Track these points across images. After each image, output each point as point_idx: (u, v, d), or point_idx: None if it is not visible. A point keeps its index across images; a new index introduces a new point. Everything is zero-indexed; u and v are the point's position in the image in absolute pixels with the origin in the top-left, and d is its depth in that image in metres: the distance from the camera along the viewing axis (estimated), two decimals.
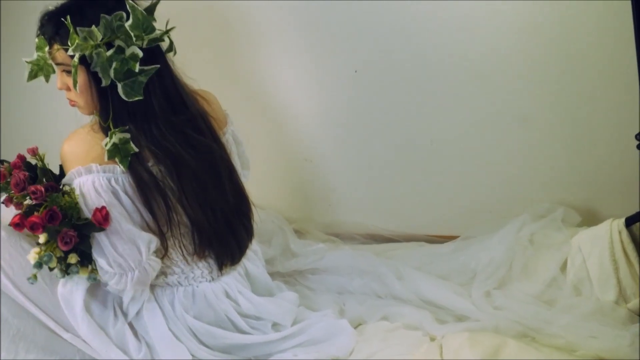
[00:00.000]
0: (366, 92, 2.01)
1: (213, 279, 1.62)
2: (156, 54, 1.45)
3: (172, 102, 1.47)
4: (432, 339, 1.60)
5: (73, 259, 1.43)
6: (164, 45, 1.48)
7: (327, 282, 1.90)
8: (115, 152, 1.40)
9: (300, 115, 2.10)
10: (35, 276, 1.40)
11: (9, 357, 1.49)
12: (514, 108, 1.90)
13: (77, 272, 1.45)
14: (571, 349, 1.51)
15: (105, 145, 1.40)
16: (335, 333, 1.63)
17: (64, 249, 1.38)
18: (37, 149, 1.52)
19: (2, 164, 1.49)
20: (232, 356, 1.60)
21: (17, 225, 1.36)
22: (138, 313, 1.56)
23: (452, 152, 2.01)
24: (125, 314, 1.56)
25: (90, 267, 1.46)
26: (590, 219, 1.89)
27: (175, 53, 1.50)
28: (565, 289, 1.71)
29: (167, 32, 1.45)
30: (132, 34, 1.37)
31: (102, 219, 1.38)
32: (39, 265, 1.38)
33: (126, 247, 1.43)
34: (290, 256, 2.00)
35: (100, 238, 1.42)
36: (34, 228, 1.35)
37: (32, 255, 1.39)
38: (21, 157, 1.50)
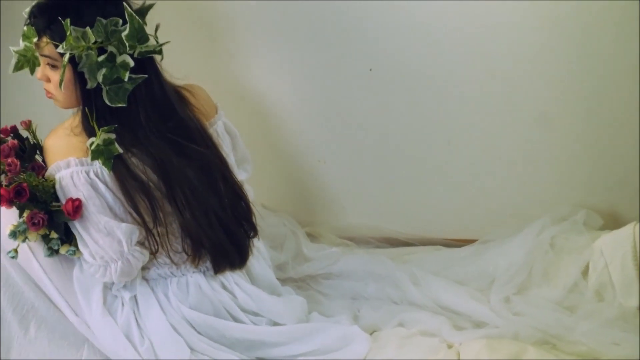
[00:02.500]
0: (381, 91, 1.99)
1: (207, 270, 1.60)
2: (145, 61, 1.44)
3: (160, 109, 1.48)
4: (450, 346, 1.59)
5: (54, 234, 1.47)
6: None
7: (341, 288, 1.89)
8: (99, 154, 1.41)
9: (314, 115, 2.09)
10: (15, 250, 1.44)
11: (20, 331, 1.51)
12: (534, 108, 1.88)
13: (58, 248, 1.49)
14: (593, 356, 1.50)
15: (91, 145, 1.40)
16: (348, 340, 1.61)
17: (32, 229, 1.41)
18: (30, 122, 1.56)
19: None
20: (235, 352, 1.57)
21: None
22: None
23: (470, 153, 1.99)
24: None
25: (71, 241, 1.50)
26: (612, 222, 1.86)
27: (162, 58, 1.49)
28: (586, 295, 1.69)
29: (161, 45, 1.46)
30: (126, 44, 1.38)
31: (72, 209, 1.41)
32: (13, 235, 1.42)
33: (106, 240, 1.45)
34: (302, 261, 1.99)
35: (80, 231, 1.45)
36: None
37: (9, 227, 1.43)
38: (13, 127, 1.55)
